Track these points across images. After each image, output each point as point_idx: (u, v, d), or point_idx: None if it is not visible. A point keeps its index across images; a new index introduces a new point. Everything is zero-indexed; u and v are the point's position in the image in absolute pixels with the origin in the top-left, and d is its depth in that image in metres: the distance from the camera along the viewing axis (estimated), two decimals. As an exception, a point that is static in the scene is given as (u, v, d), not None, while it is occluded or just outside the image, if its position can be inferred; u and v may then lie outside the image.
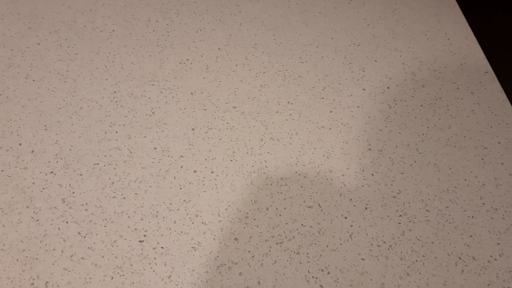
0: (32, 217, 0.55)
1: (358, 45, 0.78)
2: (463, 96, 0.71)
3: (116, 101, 0.67)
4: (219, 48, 0.76)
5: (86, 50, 0.74)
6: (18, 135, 0.62)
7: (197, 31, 0.78)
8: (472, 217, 0.57)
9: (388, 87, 0.72)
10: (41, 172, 0.59)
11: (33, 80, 0.69)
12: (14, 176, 0.58)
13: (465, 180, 0.61)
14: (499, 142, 0.65)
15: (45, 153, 0.61)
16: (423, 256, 0.54)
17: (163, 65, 0.73)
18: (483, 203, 0.59)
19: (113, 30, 0.78)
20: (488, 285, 0.52)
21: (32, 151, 0.61)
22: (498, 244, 0.55)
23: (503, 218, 0.57)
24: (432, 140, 0.65)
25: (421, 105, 0.70)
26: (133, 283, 0.51)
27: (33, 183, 0.58)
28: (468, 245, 0.55)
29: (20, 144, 0.61)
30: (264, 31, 0.79)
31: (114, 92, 0.69)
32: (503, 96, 0.71)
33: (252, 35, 0.79)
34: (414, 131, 0.66)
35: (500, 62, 0.77)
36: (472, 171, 0.62)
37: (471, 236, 0.56)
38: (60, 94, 0.68)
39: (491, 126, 0.67)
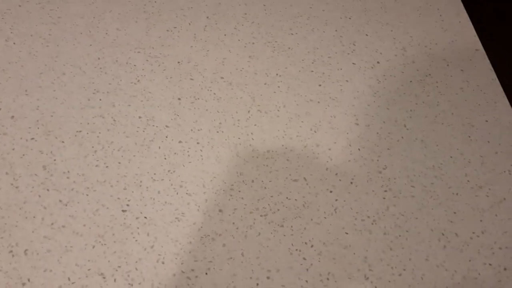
0: (12, 184, 0.54)
1: (350, 18, 0.77)
2: (452, 73, 0.71)
3: (100, 68, 0.66)
4: (207, 17, 0.74)
5: (69, 13, 0.71)
6: (-3, 99, 0.60)
7: (185, -2, 0.76)
8: (457, 194, 0.58)
9: (378, 62, 0.71)
10: (21, 138, 0.57)
11: (14, 43, 0.66)
12: (-7, 141, 0.57)
13: (451, 157, 0.61)
14: (486, 120, 0.65)
15: (25, 118, 0.59)
16: (407, 231, 0.54)
17: (149, 32, 0.71)
18: (468, 180, 0.59)
19: (98, -6, 0.75)
20: (470, 261, 0.52)
21: (12, 116, 0.59)
22: (480, 221, 0.56)
23: (487, 196, 0.58)
24: (420, 117, 0.65)
25: (410, 81, 0.69)
26: (115, 252, 0.50)
27: (13, 149, 0.56)
28: (451, 222, 0.55)
29: (-1, 109, 0.60)
30: (254, 1, 0.77)
31: (98, 58, 0.67)
32: (492, 74, 0.71)
33: (242, 4, 0.77)
34: (402, 107, 0.66)
35: (491, 40, 0.77)
36: (458, 148, 0.62)
37: (454, 212, 0.56)
38: (42, 59, 0.65)
39: (479, 104, 0.67)
